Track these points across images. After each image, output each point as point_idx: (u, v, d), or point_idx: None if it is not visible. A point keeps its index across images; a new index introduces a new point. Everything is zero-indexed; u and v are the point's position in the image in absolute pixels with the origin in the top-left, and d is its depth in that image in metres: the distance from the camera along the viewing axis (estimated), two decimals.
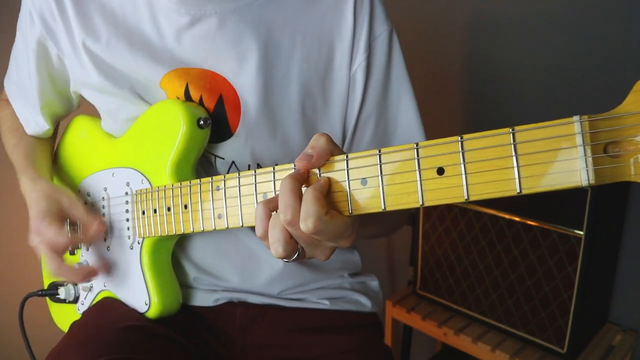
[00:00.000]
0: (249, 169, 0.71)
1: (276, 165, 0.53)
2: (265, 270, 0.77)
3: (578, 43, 1.26)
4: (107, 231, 0.77)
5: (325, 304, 0.80)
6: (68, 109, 0.87)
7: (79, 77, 0.74)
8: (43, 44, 0.74)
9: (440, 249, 1.31)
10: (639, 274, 1.23)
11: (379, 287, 0.88)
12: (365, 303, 0.83)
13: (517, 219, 1.14)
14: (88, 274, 0.74)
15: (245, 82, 0.68)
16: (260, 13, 0.68)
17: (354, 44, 0.70)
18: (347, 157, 0.48)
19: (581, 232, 1.04)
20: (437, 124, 1.59)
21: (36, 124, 0.84)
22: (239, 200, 0.57)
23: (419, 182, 0.44)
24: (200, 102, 0.69)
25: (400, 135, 0.75)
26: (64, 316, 0.87)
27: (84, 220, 0.72)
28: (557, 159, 0.38)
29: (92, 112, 0.84)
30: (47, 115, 0.83)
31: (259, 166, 0.71)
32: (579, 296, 1.06)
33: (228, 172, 0.71)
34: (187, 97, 0.69)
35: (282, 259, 0.48)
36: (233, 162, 0.71)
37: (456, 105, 1.56)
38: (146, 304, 0.71)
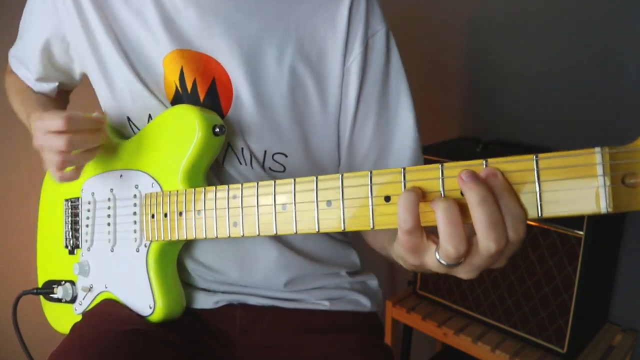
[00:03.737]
0: (242, 152, 0.72)
1: (297, 178, 0.55)
2: (261, 261, 0.77)
3: (578, 41, 1.26)
4: (112, 232, 0.77)
5: (325, 305, 0.80)
6: (70, 82, 0.88)
7: (84, 53, 0.75)
8: (48, 18, 0.76)
9: None
10: (639, 274, 1.23)
11: (379, 286, 0.88)
12: (364, 303, 0.83)
13: None
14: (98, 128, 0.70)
15: (237, 67, 0.69)
16: (257, 1, 0.70)
17: (348, 38, 0.71)
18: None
19: (581, 232, 1.04)
20: (436, 121, 1.59)
21: (41, 85, 0.86)
22: (257, 209, 0.57)
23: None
24: (194, 85, 0.70)
25: (399, 136, 0.75)
26: (59, 316, 0.87)
27: (83, 116, 0.68)
28: (577, 186, 0.40)
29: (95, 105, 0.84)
30: (49, 81, 0.86)
31: (250, 150, 0.72)
32: (579, 296, 1.06)
33: (225, 156, 0.73)
34: (182, 80, 0.70)
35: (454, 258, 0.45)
36: (229, 144, 0.72)
37: (456, 103, 1.56)
38: (150, 308, 0.71)
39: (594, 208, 0.39)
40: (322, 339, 0.78)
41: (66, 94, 0.95)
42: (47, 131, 0.66)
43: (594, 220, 1.03)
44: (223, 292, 0.78)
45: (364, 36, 0.71)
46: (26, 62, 0.85)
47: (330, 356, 0.76)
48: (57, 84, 0.87)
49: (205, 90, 0.70)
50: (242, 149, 0.72)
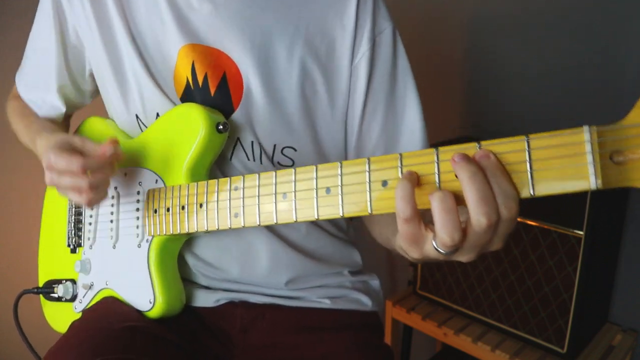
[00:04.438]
0: (251, 146, 0.73)
1: (297, 167, 0.55)
2: (263, 258, 0.77)
3: (579, 41, 1.26)
4: (114, 229, 0.77)
5: (326, 303, 0.80)
6: (80, 100, 0.87)
7: (96, 48, 0.75)
8: (61, 19, 0.76)
9: None
10: (639, 274, 1.23)
11: (380, 286, 0.88)
12: (366, 302, 0.83)
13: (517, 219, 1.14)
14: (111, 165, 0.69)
15: (248, 61, 0.71)
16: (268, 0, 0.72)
17: (356, 37, 0.73)
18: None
19: (581, 232, 1.04)
20: (436, 121, 1.59)
21: (51, 106, 0.84)
22: (258, 199, 0.58)
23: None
24: (205, 79, 0.72)
25: (407, 132, 0.77)
26: (59, 316, 0.87)
27: (95, 148, 0.67)
28: (567, 164, 0.41)
29: (102, 114, 0.85)
30: (62, 97, 0.83)
31: (260, 144, 0.73)
32: (579, 296, 1.06)
33: (233, 150, 0.73)
34: (193, 74, 0.72)
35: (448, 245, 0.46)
36: (238, 138, 0.73)
37: (456, 103, 1.56)
38: (150, 302, 0.71)
39: (584, 185, 0.40)
40: (322, 338, 0.78)
41: (68, 118, 0.92)
42: (61, 171, 0.65)
43: (594, 220, 1.03)
44: (224, 290, 0.78)
45: (371, 34, 0.73)
46: (38, 78, 0.83)
47: (330, 355, 0.76)
48: (64, 109, 0.84)
49: (216, 85, 0.72)
50: (252, 142, 0.73)
